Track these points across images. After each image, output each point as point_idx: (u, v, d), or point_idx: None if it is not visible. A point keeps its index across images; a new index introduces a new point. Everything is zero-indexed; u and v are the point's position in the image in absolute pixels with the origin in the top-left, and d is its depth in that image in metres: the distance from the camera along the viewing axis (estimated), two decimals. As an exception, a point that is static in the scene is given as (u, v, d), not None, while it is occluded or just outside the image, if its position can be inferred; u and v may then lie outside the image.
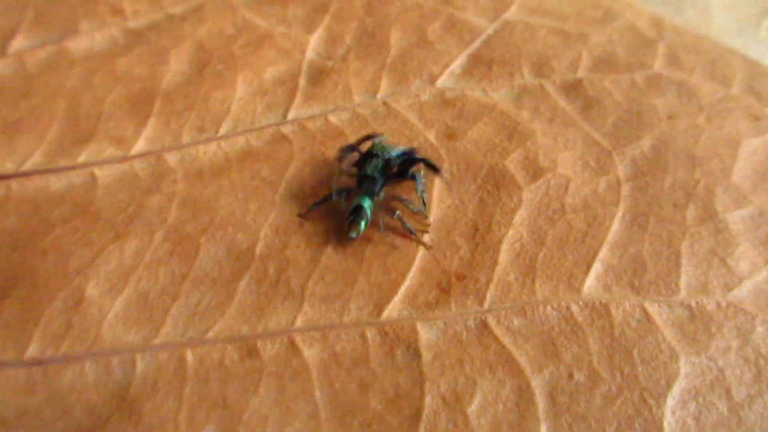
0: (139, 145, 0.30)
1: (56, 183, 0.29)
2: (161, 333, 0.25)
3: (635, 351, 0.24)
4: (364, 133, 0.30)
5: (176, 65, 0.34)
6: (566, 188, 0.28)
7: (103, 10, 0.37)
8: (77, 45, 0.35)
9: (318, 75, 0.34)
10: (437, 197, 0.28)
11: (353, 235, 0.26)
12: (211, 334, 0.25)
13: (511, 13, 0.37)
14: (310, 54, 0.35)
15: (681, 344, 0.24)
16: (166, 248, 0.27)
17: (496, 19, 0.36)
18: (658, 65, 0.34)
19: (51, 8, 0.37)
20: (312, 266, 0.26)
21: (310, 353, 0.24)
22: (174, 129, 0.31)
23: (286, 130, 0.31)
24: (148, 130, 0.31)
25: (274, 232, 0.27)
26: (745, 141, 0.31)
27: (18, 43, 0.35)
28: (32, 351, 0.24)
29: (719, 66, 0.34)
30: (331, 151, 0.30)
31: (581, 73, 0.34)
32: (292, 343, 0.24)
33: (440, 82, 0.33)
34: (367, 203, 0.27)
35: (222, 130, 0.31)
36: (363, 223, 0.26)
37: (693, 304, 0.25)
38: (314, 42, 0.35)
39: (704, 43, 0.35)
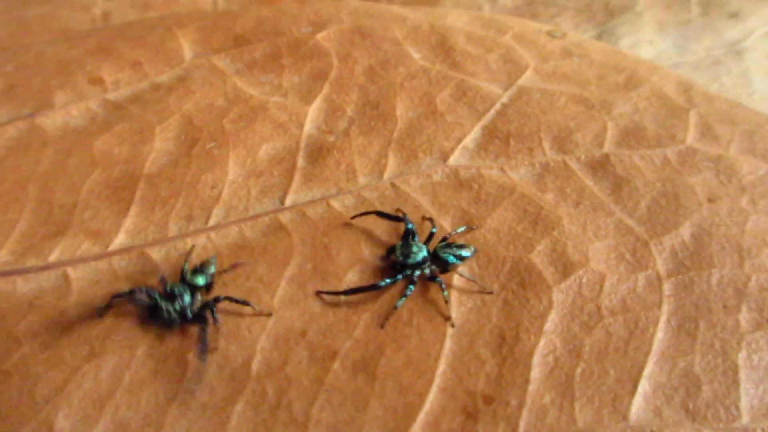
0: (119, 239, 0.27)
1: (24, 287, 0.25)
2: (142, 476, 0.21)
3: (698, 494, 0.20)
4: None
5: (161, 144, 0.31)
6: (601, 287, 0.25)
7: (80, 80, 0.33)
8: (51, 121, 0.32)
9: (318, 152, 0.30)
10: (456, 299, 0.25)
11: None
12: (200, 477, 0.21)
13: (527, 79, 0.34)
14: (308, 128, 0.31)
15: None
16: (149, 367, 0.23)
17: (511, 86, 0.33)
18: (691, 138, 0.31)
19: (22, 78, 0.34)
20: (316, 386, 0.23)
21: (317, 500, 0.20)
22: (158, 219, 0.28)
23: (284, 218, 0.28)
24: (130, 221, 0.28)
25: (273, 344, 0.24)
26: (795, 226, 0.27)
27: (-14, 120, 0.31)
28: (-11, 506, 0.20)
29: (758, 138, 0.31)
30: (336, 245, 0.27)
31: (608, 147, 0.30)
32: (295, 487, 0.21)
33: (453, 160, 0.30)
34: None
35: (212, 220, 0.28)
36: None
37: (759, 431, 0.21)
38: (313, 114, 0.32)
39: (740, 112, 0.32)
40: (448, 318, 0.24)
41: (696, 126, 0.31)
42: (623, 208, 0.28)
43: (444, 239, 0.27)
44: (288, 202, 0.29)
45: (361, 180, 0.29)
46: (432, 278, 0.25)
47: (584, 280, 0.25)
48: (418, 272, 0.25)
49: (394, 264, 0.26)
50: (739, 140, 0.31)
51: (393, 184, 0.29)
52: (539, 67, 0.35)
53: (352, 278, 0.26)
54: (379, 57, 0.35)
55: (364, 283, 0.25)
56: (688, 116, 0.32)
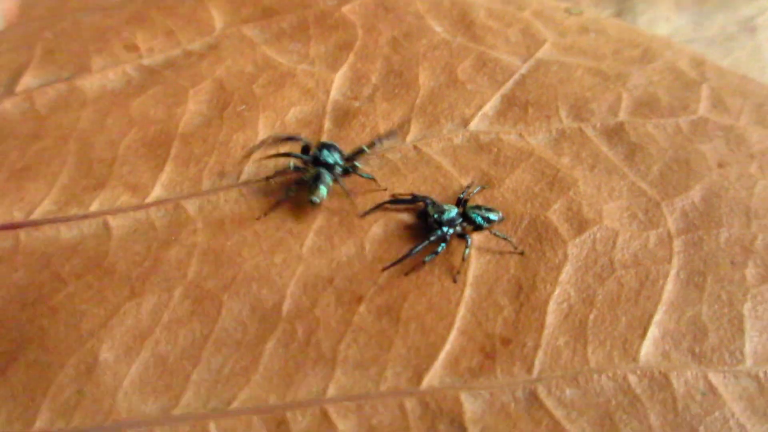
0: (156, 192, 0.28)
1: (67, 233, 0.27)
2: (182, 403, 0.22)
3: (701, 428, 0.22)
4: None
5: (194, 105, 0.32)
6: (614, 242, 0.26)
7: (116, 47, 0.35)
8: (89, 83, 0.33)
9: (344, 116, 0.32)
10: (475, 251, 0.26)
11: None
12: (235, 404, 0.22)
13: (545, 52, 0.35)
14: (334, 94, 0.33)
15: (751, 421, 0.22)
16: (186, 307, 0.25)
17: (530, 58, 0.35)
18: (703, 109, 0.32)
19: (61, 44, 0.35)
20: (344, 327, 0.24)
21: (345, 426, 0.22)
22: (193, 174, 0.29)
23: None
24: (165, 176, 0.29)
25: (302, 289, 0.25)
26: (801, 191, 0.28)
27: (27, 81, 0.33)
28: (40, 424, 0.22)
29: (767, 109, 0.32)
30: (361, 200, 0.28)
31: (622, 116, 0.32)
32: (324, 415, 0.22)
33: (473, 125, 0.31)
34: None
35: (243, 176, 0.29)
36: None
37: (761, 374, 0.23)
38: (339, 81, 0.33)
39: (750, 85, 0.34)
40: (457, 272, 0.26)
41: (708, 98, 0.33)
42: (636, 172, 0.29)
43: (474, 204, 0.28)
44: (315, 161, 0.30)
45: (385, 142, 0.31)
46: (462, 236, 0.27)
47: (598, 236, 0.27)
48: (451, 230, 0.27)
49: (428, 224, 0.27)
50: (749, 112, 0.32)
51: (416, 147, 0.31)
52: (557, 42, 0.36)
53: (376, 231, 0.27)
54: (402, 29, 0.37)
55: (388, 235, 0.27)
56: (700, 89, 0.33)
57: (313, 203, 0.28)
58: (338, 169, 0.29)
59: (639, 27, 0.43)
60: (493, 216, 0.27)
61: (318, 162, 0.29)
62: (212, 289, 0.25)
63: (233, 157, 0.30)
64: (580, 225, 0.27)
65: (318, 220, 0.28)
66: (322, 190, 0.28)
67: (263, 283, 0.25)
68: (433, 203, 0.28)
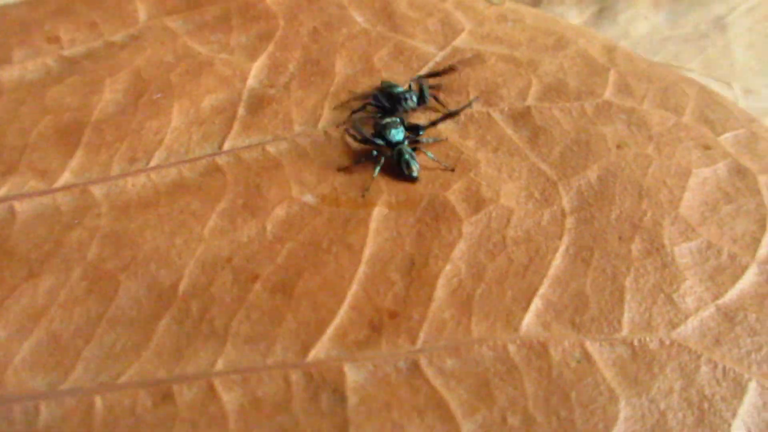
0: (64, 178, 0.29)
1: (-28, 217, 0.27)
2: (70, 378, 0.23)
3: (573, 393, 0.22)
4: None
5: (110, 94, 0.33)
6: (508, 220, 0.27)
7: (38, 39, 0.35)
8: (8, 75, 0.34)
9: (258, 104, 0.33)
10: (374, 230, 0.27)
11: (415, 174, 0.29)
12: (124, 378, 0.23)
13: (462, 40, 0.36)
14: (251, 82, 0.34)
15: (621, 386, 0.22)
16: (83, 287, 0.25)
17: (446, 46, 0.35)
18: (609, 93, 0.33)
19: (-16, 36, 0.36)
20: (238, 304, 0.25)
21: (229, 398, 0.23)
22: (103, 160, 0.30)
23: (221, 161, 0.30)
24: (75, 162, 0.30)
25: (200, 269, 0.26)
26: (695, 171, 0.29)
27: (-56, 71, 0.33)
28: (-73, 399, 0.22)
29: (671, 94, 0.33)
30: (267, 184, 0.29)
31: (530, 101, 0.33)
32: (210, 388, 0.23)
33: (384, 111, 0.32)
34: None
35: (153, 161, 0.30)
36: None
37: (635, 342, 0.23)
38: (256, 70, 0.34)
39: (657, 71, 0.34)
40: (366, 189, 0.29)
41: (614, 83, 0.34)
42: (538, 154, 0.30)
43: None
44: (226, 146, 0.31)
45: (297, 128, 0.32)
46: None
47: (493, 214, 0.28)
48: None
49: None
50: (653, 95, 0.33)
51: (326, 132, 0.31)
52: (474, 30, 0.37)
53: (279, 213, 0.28)
54: (324, 19, 0.37)
55: (290, 217, 0.28)
56: (608, 74, 0.34)
57: (413, 178, 0.29)
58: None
59: (618, 25, 0.44)
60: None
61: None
62: (110, 270, 0.26)
63: (144, 143, 0.31)
64: (477, 204, 0.28)
65: (222, 203, 0.28)
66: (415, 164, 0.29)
67: (162, 264, 0.26)
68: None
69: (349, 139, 0.30)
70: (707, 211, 0.28)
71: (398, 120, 0.31)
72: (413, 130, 0.31)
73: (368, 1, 0.39)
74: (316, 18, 0.37)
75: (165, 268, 0.26)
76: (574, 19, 0.46)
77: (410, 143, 0.30)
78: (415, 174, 0.29)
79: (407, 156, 0.29)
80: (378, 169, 0.29)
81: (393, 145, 0.30)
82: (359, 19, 0.37)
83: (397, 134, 0.30)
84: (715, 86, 0.39)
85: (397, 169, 0.29)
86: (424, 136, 0.30)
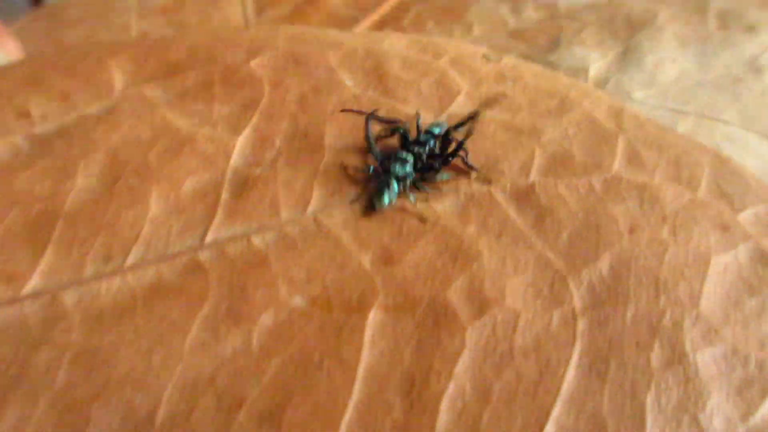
0: (33, 283, 0.27)
1: (-69, 336, 0.25)
2: None
3: None
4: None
5: (84, 180, 0.30)
6: (515, 325, 0.25)
7: (8, 114, 0.33)
8: (-26, 158, 0.31)
9: (243, 186, 0.30)
10: (370, 340, 0.25)
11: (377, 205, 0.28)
12: None
13: (458, 105, 0.34)
14: (235, 160, 0.31)
15: None
16: (52, 419, 0.23)
17: (442, 112, 0.33)
18: (618, 165, 0.31)
19: (-51, 113, 0.33)
20: (222, 436, 0.22)
21: None
22: (75, 259, 0.28)
23: (203, 256, 0.28)
24: (45, 263, 0.27)
25: (180, 393, 0.23)
26: (714, 258, 0.27)
27: None
28: None
29: (684, 164, 0.31)
30: (252, 284, 0.27)
31: (534, 176, 0.30)
32: None
33: (378, 192, 0.30)
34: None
35: (130, 259, 0.28)
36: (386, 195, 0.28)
37: (660, 477, 0.21)
38: (241, 145, 0.32)
39: (668, 137, 0.32)
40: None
41: (623, 152, 0.31)
42: (544, 241, 0.28)
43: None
44: (208, 239, 0.29)
45: (284, 214, 0.29)
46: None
47: (499, 318, 0.25)
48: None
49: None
50: (665, 167, 0.31)
51: (316, 219, 0.29)
52: (472, 92, 0.34)
53: (266, 320, 0.26)
54: (312, 84, 0.35)
55: (278, 325, 0.25)
56: (617, 142, 0.32)
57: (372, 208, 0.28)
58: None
59: (644, 69, 0.42)
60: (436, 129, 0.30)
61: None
62: (81, 397, 0.23)
63: (121, 237, 0.28)
64: (481, 306, 0.26)
65: (204, 310, 0.26)
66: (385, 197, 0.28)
67: (138, 387, 0.24)
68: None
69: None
70: (730, 308, 0.26)
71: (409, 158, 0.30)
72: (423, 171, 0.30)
73: (359, 61, 0.36)
74: (303, 83, 0.35)
75: (141, 392, 0.24)
76: (596, 62, 0.43)
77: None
78: (376, 207, 0.28)
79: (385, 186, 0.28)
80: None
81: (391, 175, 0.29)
82: (349, 83, 0.35)
83: (401, 169, 0.30)
84: (755, 141, 0.36)
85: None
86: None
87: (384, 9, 0.52)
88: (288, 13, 0.52)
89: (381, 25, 0.50)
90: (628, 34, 0.45)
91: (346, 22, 0.51)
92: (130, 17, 0.53)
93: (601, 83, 0.43)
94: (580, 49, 0.45)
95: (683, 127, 0.39)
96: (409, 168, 0.30)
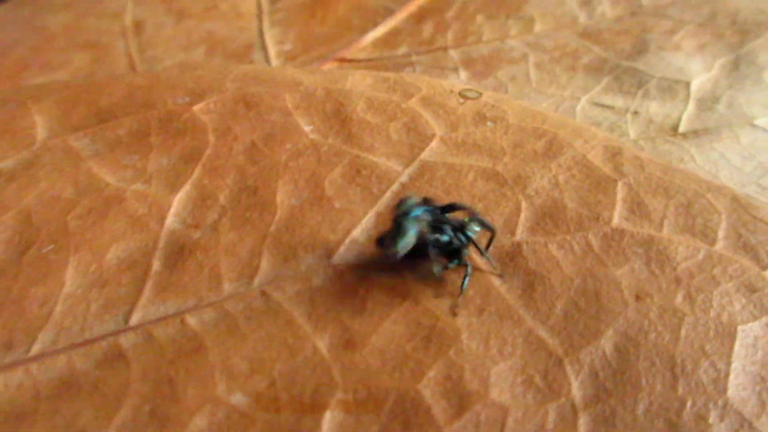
0: None
1: None
2: None
3: None
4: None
5: (-12, 250, 0.25)
6: (503, 425, 0.20)
7: None
8: None
9: (179, 253, 0.25)
10: (324, 449, 0.20)
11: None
12: None
13: (431, 151, 0.29)
14: (171, 222, 0.26)
15: None
16: None
17: (413, 161, 0.28)
18: (618, 216, 0.26)
19: None
20: None
21: None
22: (-31, 350, 0.22)
23: (126, 342, 0.23)
24: (-69, 357, 0.22)
25: None
26: (741, 328, 0.22)
27: None
28: None
29: (697, 211, 0.26)
30: (183, 378, 0.21)
31: (520, 235, 0.26)
32: None
33: (338, 257, 0.25)
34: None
35: (36, 347, 0.23)
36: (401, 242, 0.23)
37: None
38: (178, 204, 0.27)
39: (675, 179, 0.28)
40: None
41: (624, 200, 0.27)
42: (535, 314, 0.23)
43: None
44: (134, 320, 0.24)
45: (227, 287, 0.24)
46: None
47: (482, 417, 0.20)
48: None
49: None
50: (674, 215, 0.26)
51: (263, 292, 0.24)
52: (447, 137, 0.30)
53: (199, 424, 0.21)
54: (264, 131, 0.30)
55: (213, 428, 0.20)
56: (616, 189, 0.27)
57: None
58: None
59: (764, 85, 0.34)
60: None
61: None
62: None
63: (27, 319, 0.23)
64: (461, 401, 0.21)
65: (123, 411, 0.21)
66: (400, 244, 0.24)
67: None
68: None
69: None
70: (765, 392, 0.21)
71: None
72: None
73: (318, 103, 0.32)
74: (254, 129, 0.30)
75: None
76: (698, 73, 0.35)
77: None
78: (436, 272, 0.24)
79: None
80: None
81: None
82: (307, 128, 0.30)
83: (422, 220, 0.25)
84: None
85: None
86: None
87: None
88: (309, 1, 0.46)
89: (420, 17, 0.42)
90: (739, 40, 0.37)
91: (378, 14, 0.44)
92: (125, 3, 0.48)
93: (709, 102, 0.34)
94: (676, 56, 0.36)
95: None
96: (427, 216, 0.25)
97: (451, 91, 0.33)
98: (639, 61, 0.37)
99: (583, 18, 0.40)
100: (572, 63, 0.37)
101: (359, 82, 0.34)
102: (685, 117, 0.33)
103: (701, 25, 0.38)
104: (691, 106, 0.33)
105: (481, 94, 0.33)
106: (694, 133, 0.33)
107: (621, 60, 0.37)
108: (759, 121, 0.33)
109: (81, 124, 0.31)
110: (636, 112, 0.33)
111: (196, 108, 0.31)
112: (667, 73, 0.36)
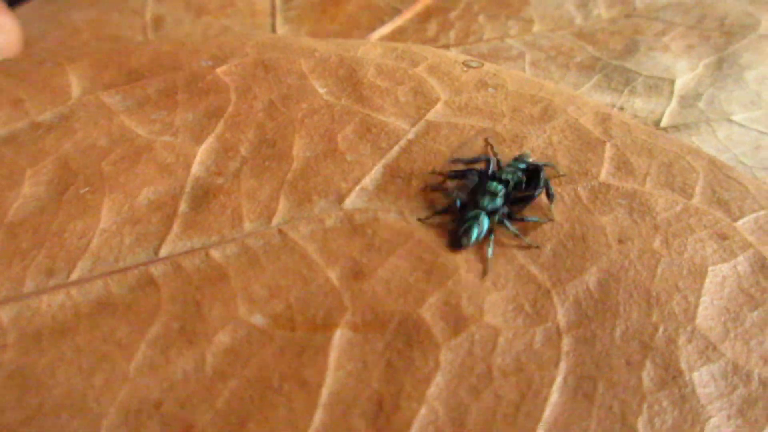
0: (-32, 299, 0.24)
1: None
2: None
3: None
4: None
5: (30, 189, 0.28)
6: (494, 344, 0.22)
7: (-47, 122, 0.31)
8: None
9: (203, 197, 0.28)
10: (335, 361, 0.22)
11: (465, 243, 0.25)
12: None
13: (437, 113, 0.31)
14: (196, 169, 0.29)
15: None
16: (-25, 450, 0.20)
17: (419, 121, 0.31)
18: (605, 172, 0.28)
19: None
20: (166, 467, 0.20)
21: None
22: (15, 273, 0.25)
23: (157, 271, 0.25)
24: (-18, 278, 0.25)
25: (123, 419, 0.21)
26: (712, 269, 0.25)
27: None
28: None
29: (677, 170, 0.29)
30: (209, 301, 0.24)
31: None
32: None
33: (349, 202, 0.28)
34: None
35: (75, 274, 0.25)
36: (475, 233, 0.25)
37: None
38: (203, 154, 0.29)
39: (659, 142, 0.30)
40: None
41: (611, 159, 0.29)
42: (527, 254, 0.26)
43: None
44: (163, 252, 0.26)
45: (247, 226, 0.27)
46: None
47: (477, 336, 0.23)
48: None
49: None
50: (656, 173, 0.29)
51: (281, 231, 0.27)
52: (451, 100, 0.32)
53: (222, 339, 0.23)
54: (282, 92, 0.33)
55: (236, 344, 0.23)
56: (604, 149, 0.30)
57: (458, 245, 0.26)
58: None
59: (745, 86, 0.36)
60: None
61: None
62: (11, 424, 0.21)
63: (67, 249, 0.26)
64: (457, 323, 0.23)
65: (154, 328, 0.23)
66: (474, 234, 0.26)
67: (75, 413, 0.21)
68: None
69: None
70: (729, 322, 0.24)
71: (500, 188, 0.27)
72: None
73: (332, 68, 0.34)
74: (273, 90, 0.33)
75: (79, 418, 0.21)
76: (683, 72, 0.38)
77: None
78: (462, 244, 0.26)
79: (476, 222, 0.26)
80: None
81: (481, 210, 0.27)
82: (321, 90, 0.33)
83: (492, 203, 0.27)
84: None
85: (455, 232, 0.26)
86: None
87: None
88: (319, 0, 0.49)
89: (425, 17, 0.45)
90: (724, 42, 0.39)
91: (386, 13, 0.46)
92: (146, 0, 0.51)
93: (691, 99, 0.37)
94: (664, 56, 0.39)
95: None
96: (500, 201, 0.27)
97: (456, 61, 0.36)
98: (629, 60, 0.39)
99: (579, 19, 0.42)
100: (566, 61, 0.39)
101: (370, 51, 0.36)
102: (667, 113, 0.36)
103: (690, 27, 0.41)
104: (674, 102, 0.36)
105: (483, 64, 0.36)
106: (675, 128, 0.35)
107: (612, 59, 0.39)
108: (736, 117, 0.36)
109: (112, 82, 0.34)
110: (622, 108, 0.36)
111: (218, 70, 0.34)
112: (654, 71, 0.38)
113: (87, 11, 0.50)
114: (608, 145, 0.30)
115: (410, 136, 0.31)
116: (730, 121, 0.35)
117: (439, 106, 0.32)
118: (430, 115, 0.32)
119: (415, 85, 0.33)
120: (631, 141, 0.30)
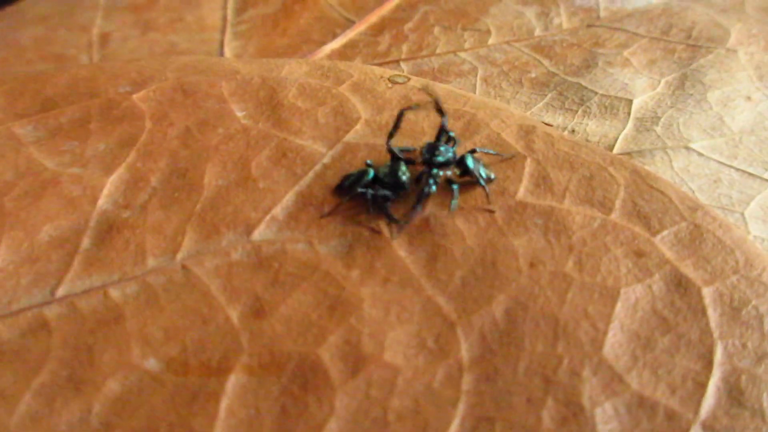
0: None
1: None
2: None
3: None
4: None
5: (-73, 231, 0.27)
6: (393, 385, 0.22)
7: None
8: None
9: (108, 231, 0.27)
10: (226, 409, 0.21)
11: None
12: None
13: (355, 133, 0.31)
14: (103, 203, 0.28)
15: None
16: None
17: (336, 143, 0.30)
18: (523, 190, 0.28)
19: None
20: None
21: None
22: None
23: (51, 313, 0.24)
24: None
25: (-1, 479, 0.20)
26: (624, 291, 0.24)
27: None
28: None
29: (598, 182, 0.28)
30: (101, 345, 0.23)
31: (429, 209, 0.27)
32: None
33: (258, 234, 0.27)
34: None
35: (-34, 320, 0.24)
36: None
37: None
38: (111, 186, 0.29)
39: (582, 154, 0.29)
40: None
41: (531, 175, 0.28)
42: (435, 283, 0.25)
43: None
44: (60, 292, 0.25)
45: (150, 262, 0.26)
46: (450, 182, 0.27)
47: (374, 376, 0.22)
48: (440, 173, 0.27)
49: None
50: (576, 187, 0.28)
51: (184, 266, 0.26)
52: (372, 119, 0.31)
53: (112, 387, 0.22)
54: (199, 117, 0.32)
55: (126, 392, 0.22)
56: (525, 164, 0.29)
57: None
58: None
59: (708, 108, 0.33)
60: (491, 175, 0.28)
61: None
62: None
63: (-40, 296, 0.25)
64: (356, 364, 0.22)
65: (41, 376, 0.22)
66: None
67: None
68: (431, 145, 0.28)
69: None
70: (638, 349, 0.23)
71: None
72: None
73: (253, 90, 0.33)
74: (189, 116, 0.32)
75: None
76: (642, 91, 0.35)
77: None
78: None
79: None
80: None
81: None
82: (240, 114, 0.32)
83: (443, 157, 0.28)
84: None
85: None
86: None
87: (384, 10, 0.47)
88: (273, 12, 0.47)
89: (379, 29, 0.43)
90: (689, 56, 0.36)
91: (338, 25, 0.45)
92: (95, 15, 0.49)
93: (648, 122, 0.33)
94: (623, 72, 0.36)
95: (763, 200, 0.29)
96: (451, 155, 0.28)
97: (381, 77, 0.35)
98: (585, 76, 0.36)
99: (539, 30, 0.41)
100: (520, 77, 0.38)
101: (295, 70, 0.35)
102: (621, 137, 0.34)
103: (654, 39, 0.39)
104: (630, 126, 0.34)
105: (409, 79, 0.35)
106: (628, 156, 0.33)
107: (568, 75, 0.37)
108: (695, 145, 0.33)
109: (25, 112, 0.33)
110: (573, 131, 0.34)
111: (135, 96, 0.33)
112: (610, 90, 0.36)
113: (35, 28, 0.49)
114: (529, 160, 0.29)
115: (326, 160, 0.30)
116: (688, 148, 0.32)
117: (359, 126, 0.31)
118: (349, 136, 0.31)
119: (337, 105, 0.32)
120: (553, 154, 0.29)
